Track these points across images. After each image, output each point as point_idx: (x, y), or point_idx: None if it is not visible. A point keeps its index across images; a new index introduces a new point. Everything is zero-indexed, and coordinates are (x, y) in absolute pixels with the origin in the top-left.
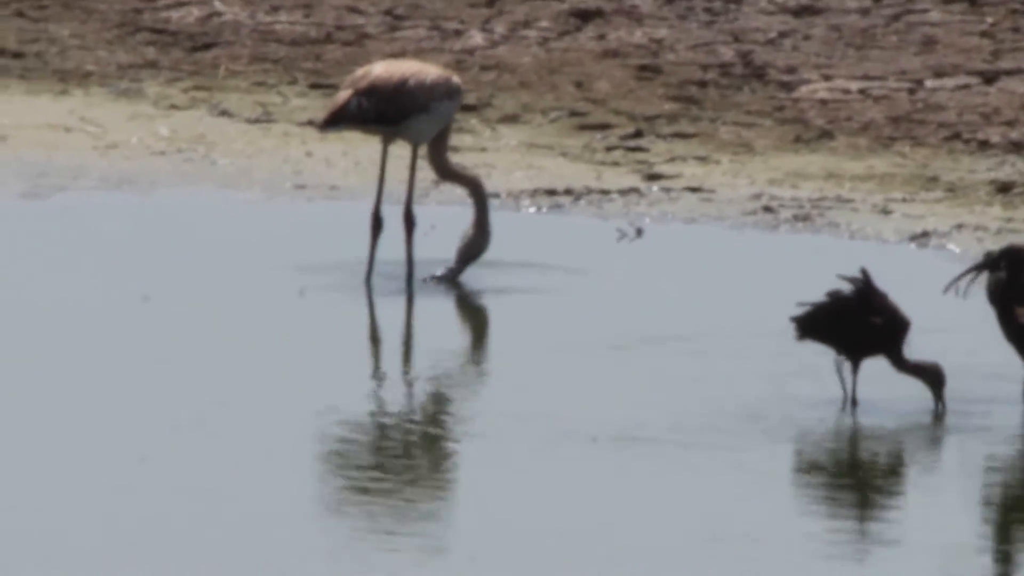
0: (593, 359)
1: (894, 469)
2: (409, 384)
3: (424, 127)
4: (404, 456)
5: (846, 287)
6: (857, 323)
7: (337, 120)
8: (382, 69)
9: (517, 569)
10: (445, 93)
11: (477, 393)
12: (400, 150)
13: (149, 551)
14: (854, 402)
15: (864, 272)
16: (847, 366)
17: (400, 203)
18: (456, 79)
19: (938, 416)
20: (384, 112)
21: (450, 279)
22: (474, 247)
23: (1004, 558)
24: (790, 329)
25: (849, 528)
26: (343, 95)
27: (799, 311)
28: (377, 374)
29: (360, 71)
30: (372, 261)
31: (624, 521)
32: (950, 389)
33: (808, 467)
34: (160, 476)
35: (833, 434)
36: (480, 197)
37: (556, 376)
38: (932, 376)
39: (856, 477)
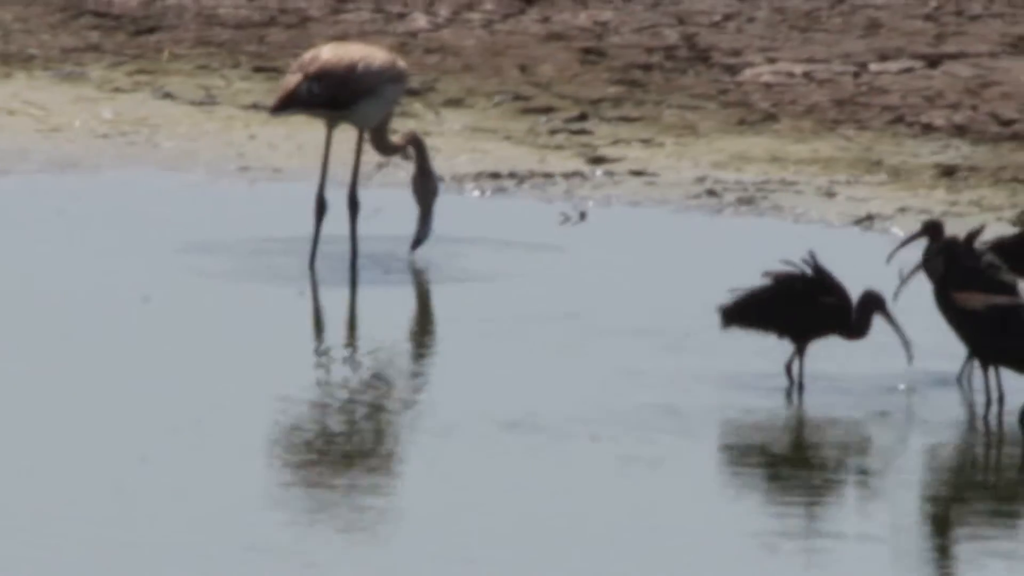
0: (527, 345)
1: (822, 460)
2: (360, 371)
3: (372, 111)
4: (351, 440)
5: (786, 270)
6: (811, 305)
7: (288, 104)
8: (331, 53)
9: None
10: (392, 77)
11: (419, 383)
12: (342, 133)
13: (148, 550)
14: (801, 387)
15: (811, 255)
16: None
17: (344, 186)
18: (402, 63)
19: (905, 343)
20: (334, 96)
21: (424, 238)
22: (429, 193)
23: (939, 549)
24: (716, 319)
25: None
26: (293, 79)
27: (728, 300)
28: (323, 361)
29: (308, 55)
30: (316, 244)
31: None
32: (891, 369)
33: (747, 456)
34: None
35: (771, 423)
36: (419, 145)
37: (484, 363)
38: (880, 308)
39: (787, 468)
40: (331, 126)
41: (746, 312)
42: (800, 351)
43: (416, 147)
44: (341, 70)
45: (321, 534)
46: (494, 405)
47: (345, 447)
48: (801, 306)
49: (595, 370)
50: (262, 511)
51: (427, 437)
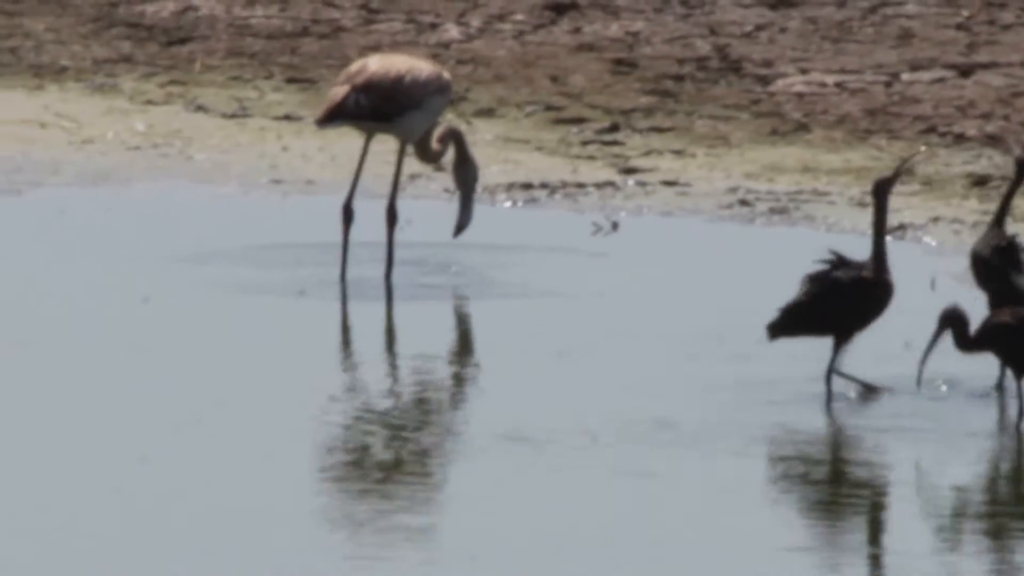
0: (558, 360)
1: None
2: (388, 385)
3: (417, 123)
4: (390, 455)
5: (823, 274)
6: (857, 303)
7: (335, 116)
8: (378, 65)
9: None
10: (438, 89)
11: (444, 399)
12: (376, 144)
13: (148, 550)
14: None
15: (835, 254)
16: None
17: (374, 198)
18: (447, 75)
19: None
20: (380, 108)
21: (466, 224)
22: (470, 179)
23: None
24: (763, 333)
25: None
26: (340, 91)
27: (776, 315)
28: (354, 374)
29: (355, 66)
30: (346, 254)
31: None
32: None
33: (782, 473)
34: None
35: (796, 438)
36: (458, 136)
37: (514, 378)
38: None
39: (819, 488)
40: (370, 137)
41: (792, 321)
42: (840, 347)
43: (455, 139)
44: (389, 82)
45: (321, 539)
46: (518, 418)
47: (388, 459)
48: (843, 298)
49: (619, 381)
50: (262, 510)
51: (432, 443)
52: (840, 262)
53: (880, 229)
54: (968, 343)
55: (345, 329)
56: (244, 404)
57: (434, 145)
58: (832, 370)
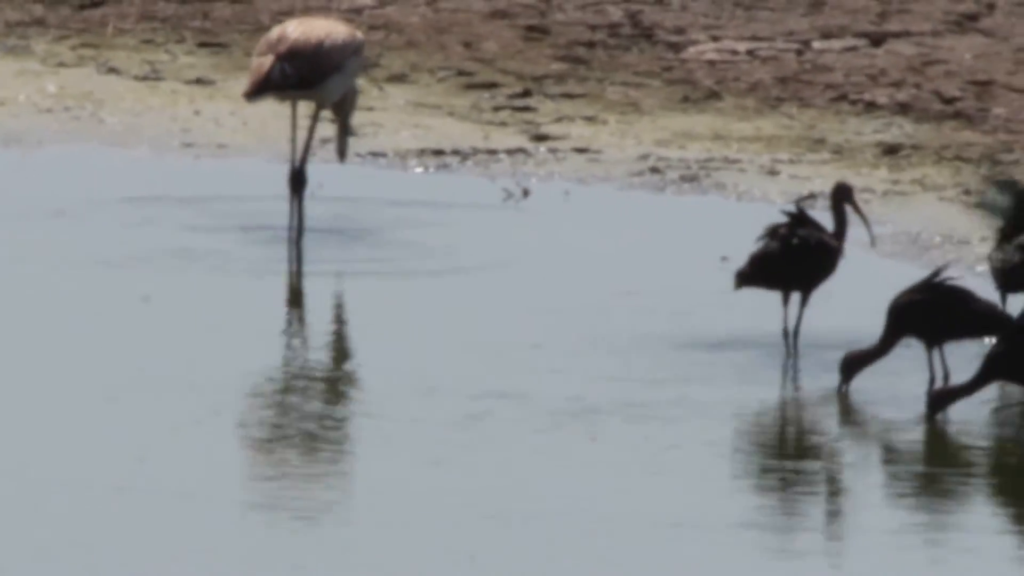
0: (462, 326)
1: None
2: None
3: (337, 86)
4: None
5: (783, 226)
6: (827, 255)
7: (263, 88)
8: (298, 32)
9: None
10: (354, 50)
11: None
12: (285, 109)
13: (148, 551)
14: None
15: (799, 208)
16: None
17: (287, 162)
18: (360, 34)
19: (869, 226)
20: (306, 76)
21: (345, 148)
22: (350, 103)
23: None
24: (731, 280)
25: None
26: (265, 62)
27: (744, 262)
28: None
29: (274, 34)
30: (302, 220)
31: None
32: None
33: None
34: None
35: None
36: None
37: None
38: (847, 197)
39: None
40: (295, 103)
41: (758, 272)
42: (804, 302)
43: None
44: (311, 49)
45: (317, 535)
46: (453, 383)
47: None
48: (814, 255)
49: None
50: (261, 512)
51: (436, 428)
52: (802, 218)
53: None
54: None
55: (290, 300)
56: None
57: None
58: (798, 329)
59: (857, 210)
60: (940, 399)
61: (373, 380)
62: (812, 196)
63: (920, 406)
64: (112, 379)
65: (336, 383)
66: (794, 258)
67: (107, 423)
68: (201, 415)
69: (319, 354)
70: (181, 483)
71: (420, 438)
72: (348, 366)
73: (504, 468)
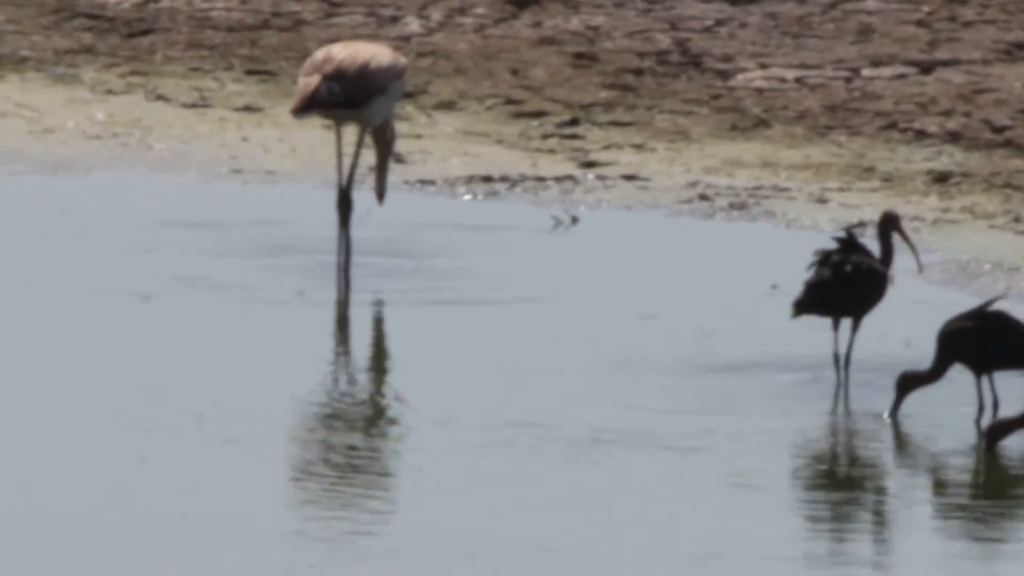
0: (507, 353)
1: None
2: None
3: (382, 108)
4: (371, 445)
5: (834, 251)
6: (878, 282)
7: (309, 106)
8: (344, 53)
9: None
10: (398, 74)
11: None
12: (328, 133)
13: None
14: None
15: (850, 235)
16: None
17: (333, 188)
18: (403, 59)
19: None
20: (352, 95)
21: (384, 188)
22: (386, 137)
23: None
24: (789, 310)
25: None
26: (312, 80)
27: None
28: (334, 372)
29: (320, 55)
30: (349, 246)
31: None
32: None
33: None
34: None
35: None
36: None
37: (458, 372)
38: (895, 226)
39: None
40: (339, 125)
41: (814, 300)
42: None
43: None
44: (356, 69)
45: (321, 538)
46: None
47: (349, 454)
48: (867, 282)
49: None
50: (259, 510)
51: (433, 440)
52: (852, 244)
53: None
54: None
55: (336, 326)
56: (227, 399)
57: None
58: (849, 356)
59: (905, 238)
60: (995, 431)
61: (404, 410)
62: (862, 224)
63: (969, 436)
64: (143, 408)
65: (369, 413)
66: (846, 284)
67: (135, 452)
68: (231, 442)
69: (357, 383)
70: (209, 510)
71: (449, 468)
72: (382, 396)
73: (534, 498)
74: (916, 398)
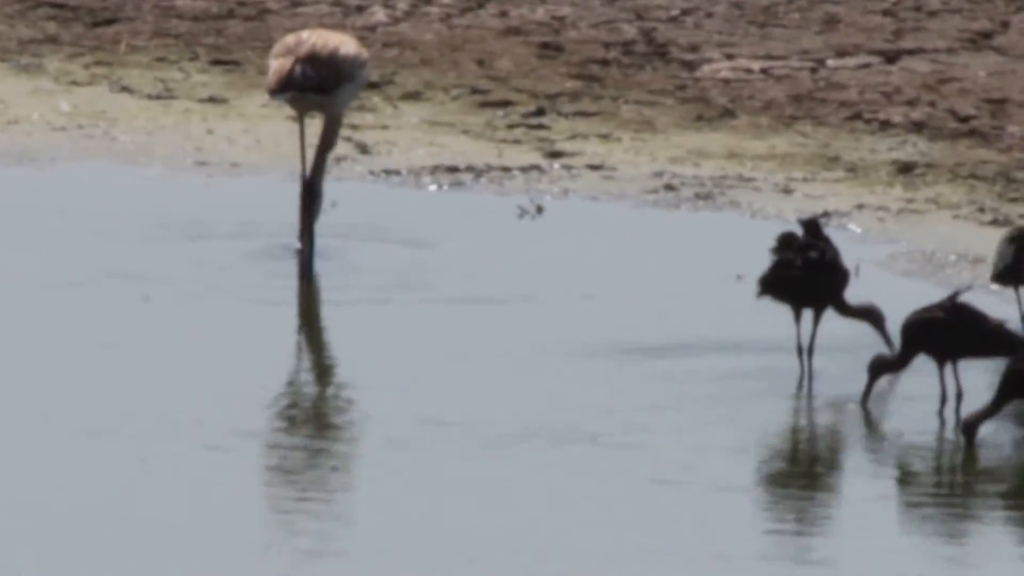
0: (458, 346)
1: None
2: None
3: (348, 96)
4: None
5: (801, 237)
6: (829, 274)
7: (286, 86)
8: (316, 37)
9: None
10: (363, 63)
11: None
12: (292, 125)
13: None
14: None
15: (815, 221)
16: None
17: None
18: (364, 50)
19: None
20: (324, 80)
21: (316, 193)
22: (327, 142)
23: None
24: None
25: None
26: (286, 62)
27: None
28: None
29: (290, 38)
30: (312, 237)
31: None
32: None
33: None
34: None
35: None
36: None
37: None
38: (874, 316)
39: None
40: (303, 114)
41: (779, 282)
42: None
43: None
44: (327, 54)
45: (311, 542)
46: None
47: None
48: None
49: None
50: (259, 511)
51: (422, 447)
52: (815, 231)
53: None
54: None
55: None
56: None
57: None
58: (812, 348)
59: (883, 335)
60: (971, 425)
61: (373, 408)
62: (826, 214)
63: (932, 426)
64: (106, 409)
65: (335, 411)
66: (811, 268)
67: (98, 458)
68: (198, 448)
69: (321, 382)
70: (184, 516)
71: (423, 468)
72: (347, 392)
73: (512, 499)
74: (877, 391)
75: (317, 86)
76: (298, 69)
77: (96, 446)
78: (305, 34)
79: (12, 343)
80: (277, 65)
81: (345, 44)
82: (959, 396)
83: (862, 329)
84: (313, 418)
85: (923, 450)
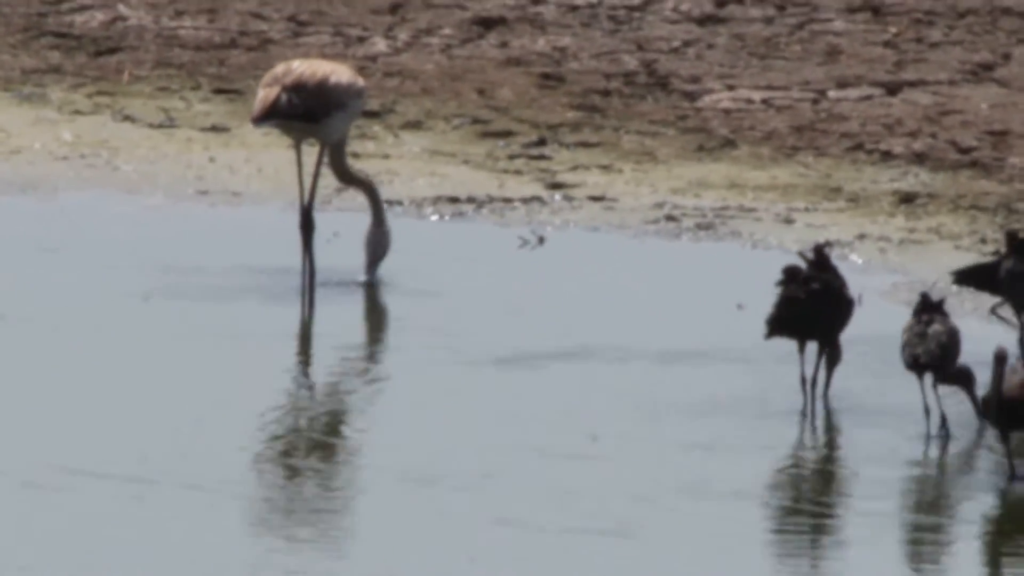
0: (473, 374)
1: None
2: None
3: (340, 125)
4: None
5: (806, 273)
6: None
7: (269, 115)
8: (304, 66)
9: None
10: (357, 92)
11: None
12: (292, 154)
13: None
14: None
15: (820, 251)
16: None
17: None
18: (361, 79)
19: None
20: (311, 108)
21: (368, 283)
22: (380, 247)
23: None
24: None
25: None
26: (271, 91)
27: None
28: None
29: (279, 68)
30: (312, 265)
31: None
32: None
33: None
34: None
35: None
36: (375, 196)
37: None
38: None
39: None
40: (299, 142)
41: (787, 318)
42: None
43: (372, 198)
44: (315, 83)
45: (311, 547)
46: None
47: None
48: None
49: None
50: (258, 512)
51: (440, 497)
52: (822, 263)
53: None
54: None
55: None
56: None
57: (350, 167)
58: (816, 378)
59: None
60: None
61: (368, 445)
62: (828, 245)
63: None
64: (91, 448)
65: (334, 445)
66: (817, 301)
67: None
68: (193, 483)
69: (318, 418)
70: (178, 553)
71: (421, 510)
72: (345, 429)
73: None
74: (862, 406)
75: (303, 114)
76: (283, 98)
77: (81, 483)
78: (296, 63)
79: (7, 375)
80: (263, 94)
81: (337, 73)
82: (944, 423)
83: (862, 335)
84: (306, 453)
85: (923, 465)
